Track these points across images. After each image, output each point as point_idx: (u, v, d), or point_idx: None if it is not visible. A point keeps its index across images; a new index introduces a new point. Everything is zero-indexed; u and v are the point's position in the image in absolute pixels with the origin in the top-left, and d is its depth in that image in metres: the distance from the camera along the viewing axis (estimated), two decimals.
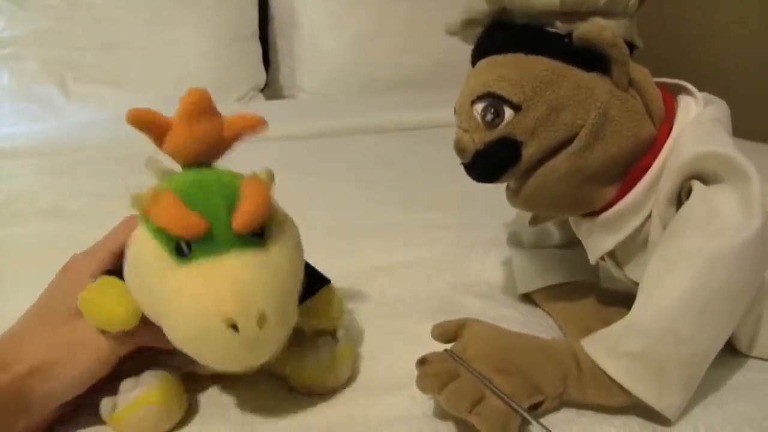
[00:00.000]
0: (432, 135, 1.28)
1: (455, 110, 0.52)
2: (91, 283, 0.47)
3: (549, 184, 0.49)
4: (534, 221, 0.58)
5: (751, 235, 0.44)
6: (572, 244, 0.60)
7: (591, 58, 0.47)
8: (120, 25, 1.58)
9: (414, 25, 1.71)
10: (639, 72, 0.49)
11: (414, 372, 0.47)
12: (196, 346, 0.43)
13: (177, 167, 0.49)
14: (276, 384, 0.52)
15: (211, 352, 0.43)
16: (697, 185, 0.47)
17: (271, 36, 1.82)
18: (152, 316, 0.45)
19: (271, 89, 1.79)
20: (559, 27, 0.48)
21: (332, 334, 0.54)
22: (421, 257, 0.75)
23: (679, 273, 0.45)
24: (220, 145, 0.49)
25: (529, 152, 0.48)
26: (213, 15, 1.66)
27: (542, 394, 0.45)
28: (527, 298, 0.65)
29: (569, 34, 0.47)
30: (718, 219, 0.45)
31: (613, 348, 0.46)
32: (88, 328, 0.47)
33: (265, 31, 1.81)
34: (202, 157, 0.48)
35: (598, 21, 0.47)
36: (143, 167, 0.47)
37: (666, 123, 0.50)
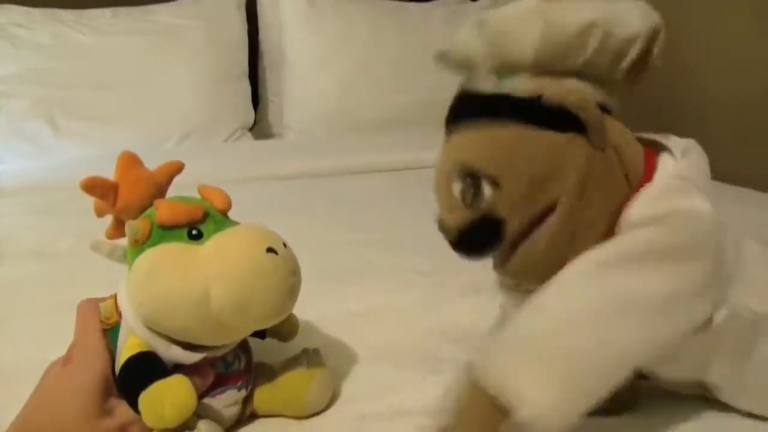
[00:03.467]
0: (417, 176, 1.29)
1: (434, 189, 0.51)
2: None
3: (531, 263, 0.48)
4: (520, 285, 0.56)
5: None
6: None
7: (564, 119, 0.46)
8: (110, 64, 1.60)
9: (400, 65, 1.75)
10: (617, 132, 0.48)
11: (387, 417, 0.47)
12: (248, 282, 0.48)
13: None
14: None
15: (263, 279, 0.49)
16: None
17: (260, 74, 1.85)
18: (197, 292, 0.48)
19: (259, 127, 1.81)
20: (527, 89, 0.46)
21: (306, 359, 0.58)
22: (398, 302, 0.76)
23: (566, 284, 0.45)
24: (159, 192, 0.55)
25: (512, 227, 0.47)
26: (203, 54, 1.69)
27: None
28: None
29: (539, 97, 0.46)
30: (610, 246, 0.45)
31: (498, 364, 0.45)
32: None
33: (255, 69, 1.84)
34: (148, 205, 0.53)
35: (568, 83, 0.46)
36: (91, 251, 0.54)
37: (643, 184, 0.48)
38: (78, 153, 1.47)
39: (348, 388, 0.59)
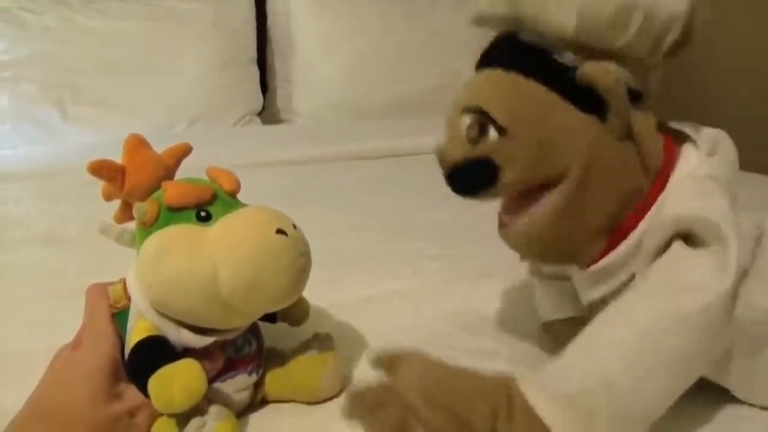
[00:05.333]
0: (425, 161, 1.28)
1: (445, 119, 0.51)
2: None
3: (529, 233, 0.49)
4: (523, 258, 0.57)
5: (714, 300, 0.42)
6: None
7: (591, 100, 0.45)
8: (119, 49, 1.60)
9: (409, 51, 1.74)
10: (641, 123, 0.47)
11: None
12: (257, 263, 0.47)
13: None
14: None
15: (272, 260, 0.48)
16: (676, 244, 0.45)
17: (269, 60, 1.85)
18: (206, 273, 0.47)
19: (268, 113, 1.81)
20: (568, 59, 0.46)
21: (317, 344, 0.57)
22: (408, 288, 0.75)
23: (629, 326, 0.43)
24: (167, 174, 0.55)
25: (506, 179, 0.47)
26: (212, 39, 1.68)
27: (471, 430, 0.43)
28: (515, 330, 0.66)
29: (575, 69, 0.45)
30: (683, 279, 0.43)
31: (546, 387, 0.43)
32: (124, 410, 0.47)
33: (263, 55, 1.84)
34: (156, 187, 0.53)
35: (606, 64, 0.45)
36: (100, 233, 0.53)
37: (661, 177, 0.48)
38: (87, 138, 1.47)
39: (359, 374, 0.59)
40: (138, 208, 0.50)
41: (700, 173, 0.47)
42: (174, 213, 0.50)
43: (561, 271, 0.63)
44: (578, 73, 0.45)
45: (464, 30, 1.75)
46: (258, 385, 0.55)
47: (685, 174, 0.48)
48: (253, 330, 0.55)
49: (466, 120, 0.48)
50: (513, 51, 0.48)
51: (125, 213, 0.54)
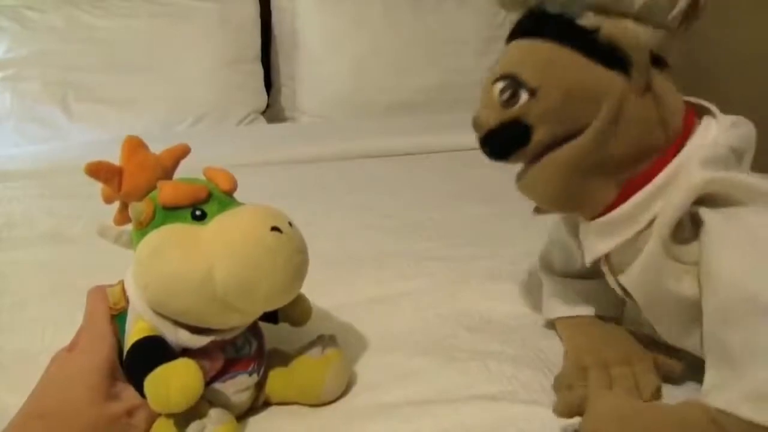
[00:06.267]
0: (432, 160, 1.29)
1: (481, 87, 0.53)
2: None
3: (546, 175, 0.51)
4: (537, 210, 0.58)
5: None
6: (597, 272, 0.59)
7: (613, 57, 0.48)
8: (123, 46, 1.59)
9: (414, 47, 1.72)
10: (661, 83, 0.49)
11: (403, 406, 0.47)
12: (252, 261, 0.48)
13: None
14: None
15: (267, 258, 0.48)
16: (707, 213, 0.47)
17: (273, 57, 1.84)
18: (201, 272, 0.47)
19: (272, 111, 1.80)
20: (590, 21, 0.49)
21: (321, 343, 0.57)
22: (414, 289, 0.75)
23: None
24: (165, 175, 0.55)
25: (538, 137, 0.50)
26: (216, 37, 1.67)
27: None
28: (522, 333, 0.65)
29: (597, 30, 0.48)
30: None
31: (747, 394, 0.44)
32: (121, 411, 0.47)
33: (268, 53, 1.83)
34: (154, 189, 0.53)
35: (626, 23, 0.48)
36: (98, 235, 0.54)
37: (680, 138, 0.50)
38: (91, 136, 1.46)
39: (362, 376, 0.59)
40: (134, 207, 0.50)
41: (721, 142, 0.49)
42: (169, 212, 0.50)
43: (570, 264, 0.63)
44: (601, 32, 0.48)
45: (471, 27, 1.74)
46: (260, 386, 0.54)
47: (706, 141, 0.50)
48: (254, 330, 0.55)
49: (499, 85, 0.51)
50: (538, 22, 0.51)
51: (124, 215, 0.54)
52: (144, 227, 0.50)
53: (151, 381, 0.46)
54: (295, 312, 0.58)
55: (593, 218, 0.52)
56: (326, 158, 1.34)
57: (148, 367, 0.47)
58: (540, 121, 0.49)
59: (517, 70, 0.50)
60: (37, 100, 1.51)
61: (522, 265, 0.77)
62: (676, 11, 0.48)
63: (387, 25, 1.73)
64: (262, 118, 1.72)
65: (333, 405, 0.55)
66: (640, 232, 0.50)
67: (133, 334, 0.49)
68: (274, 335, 0.58)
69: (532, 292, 0.71)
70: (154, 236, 0.49)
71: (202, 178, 0.54)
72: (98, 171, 0.52)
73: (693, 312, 0.49)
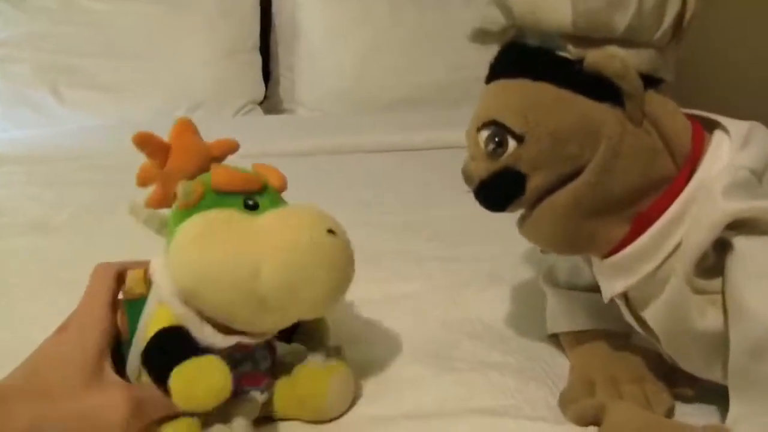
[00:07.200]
0: (433, 157, 1.26)
1: (466, 136, 0.50)
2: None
3: (547, 219, 0.47)
4: (543, 250, 0.56)
5: None
6: None
7: (603, 88, 0.44)
8: (118, 32, 1.56)
9: (417, 43, 1.68)
10: (659, 105, 0.46)
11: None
12: (304, 259, 0.46)
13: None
14: None
15: (319, 259, 0.46)
16: (736, 238, 0.44)
17: (272, 48, 1.80)
18: (248, 265, 0.45)
19: (269, 103, 1.77)
20: (572, 52, 0.45)
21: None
22: (413, 291, 0.72)
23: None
24: (209, 163, 0.51)
25: (534, 185, 0.46)
26: (215, 25, 1.64)
27: None
28: (524, 341, 0.62)
29: (581, 61, 0.45)
30: None
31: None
32: (97, 404, 0.43)
33: (266, 43, 1.79)
34: (197, 174, 0.50)
35: (611, 49, 0.44)
36: (128, 213, 0.50)
37: (691, 161, 0.47)
38: (83, 123, 1.43)
39: (358, 384, 0.55)
40: (184, 186, 0.47)
41: (739, 165, 0.45)
42: (221, 197, 0.48)
43: (575, 278, 0.60)
44: (585, 63, 0.44)
45: (475, 22, 1.70)
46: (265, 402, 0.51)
47: (719, 164, 0.46)
48: (270, 346, 0.51)
49: (483, 135, 0.48)
50: (517, 58, 0.48)
51: (160, 196, 0.50)
52: (190, 208, 0.47)
53: (178, 375, 0.43)
54: (315, 331, 0.55)
55: (606, 256, 0.49)
56: (324, 151, 1.32)
57: (172, 359, 0.43)
58: (533, 167, 0.46)
59: (501, 116, 0.46)
60: (27, 83, 1.47)
61: (525, 267, 0.75)
62: (663, 29, 0.45)
63: (391, 19, 1.70)
64: (259, 109, 1.69)
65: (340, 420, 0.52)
66: (659, 266, 0.47)
67: (156, 320, 0.46)
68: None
69: (535, 297, 0.68)
70: (200, 219, 0.46)
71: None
72: (146, 143, 0.49)
73: (717, 343, 0.46)
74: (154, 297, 0.47)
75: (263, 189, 0.49)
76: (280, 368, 0.53)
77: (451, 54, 1.67)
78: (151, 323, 0.46)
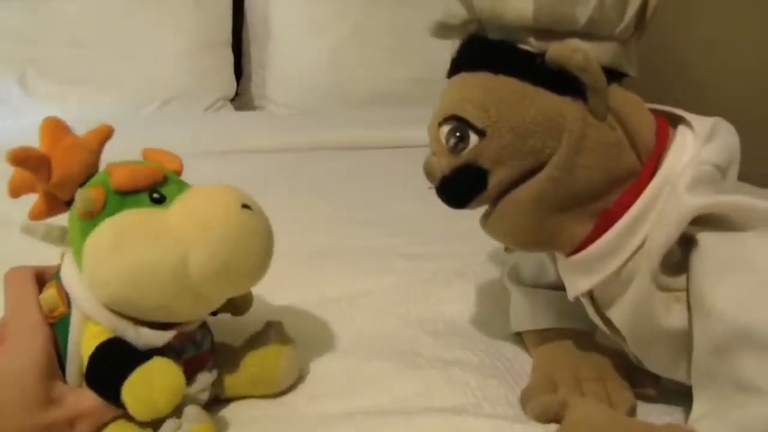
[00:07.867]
0: (406, 154, 1.25)
1: (427, 131, 0.49)
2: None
3: (510, 214, 0.47)
4: (507, 248, 0.55)
5: None
6: None
7: (565, 82, 0.44)
8: (87, 22, 1.53)
9: (396, 37, 1.67)
10: (622, 99, 0.46)
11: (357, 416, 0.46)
12: (232, 243, 0.45)
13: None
14: None
15: (246, 239, 0.46)
16: (701, 234, 0.44)
17: (244, 44, 1.78)
18: (174, 259, 0.44)
19: (241, 99, 1.75)
20: (534, 45, 0.45)
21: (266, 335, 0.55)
22: (377, 288, 0.71)
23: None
24: (94, 160, 0.49)
25: (496, 180, 0.46)
26: (187, 18, 1.62)
27: None
28: (486, 338, 0.61)
29: (543, 54, 0.44)
30: None
31: (737, 428, 0.42)
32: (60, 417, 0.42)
33: (239, 40, 1.77)
34: (87, 175, 0.48)
35: (573, 42, 0.44)
36: (22, 233, 0.48)
37: (655, 156, 0.46)
38: (50, 114, 1.39)
39: (312, 381, 0.55)
40: (82, 195, 0.44)
41: (704, 160, 0.45)
42: (124, 197, 0.45)
43: (541, 276, 0.60)
44: (547, 56, 0.44)
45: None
46: (214, 382, 0.50)
47: (683, 160, 0.46)
48: (204, 323, 0.51)
49: (445, 130, 0.47)
50: (479, 52, 0.48)
51: (48, 206, 0.48)
52: (94, 217, 0.45)
53: (130, 387, 0.42)
54: (238, 300, 0.54)
55: (570, 254, 0.48)
56: (294, 148, 1.30)
57: (119, 374, 0.42)
58: (495, 163, 0.45)
59: (462, 111, 0.46)
60: None
61: (491, 265, 0.74)
62: (625, 22, 0.44)
63: (367, 13, 1.69)
64: (230, 106, 1.67)
65: (277, 412, 0.51)
66: (624, 264, 0.46)
67: (87, 339, 0.44)
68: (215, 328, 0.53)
69: (500, 295, 0.67)
70: (111, 226, 0.44)
71: (140, 160, 0.50)
72: (28, 159, 0.45)
73: (682, 341, 0.46)
74: (77, 313, 0.46)
75: (165, 178, 0.48)
76: (224, 351, 0.52)
77: (430, 49, 1.64)
78: (82, 342, 0.45)
